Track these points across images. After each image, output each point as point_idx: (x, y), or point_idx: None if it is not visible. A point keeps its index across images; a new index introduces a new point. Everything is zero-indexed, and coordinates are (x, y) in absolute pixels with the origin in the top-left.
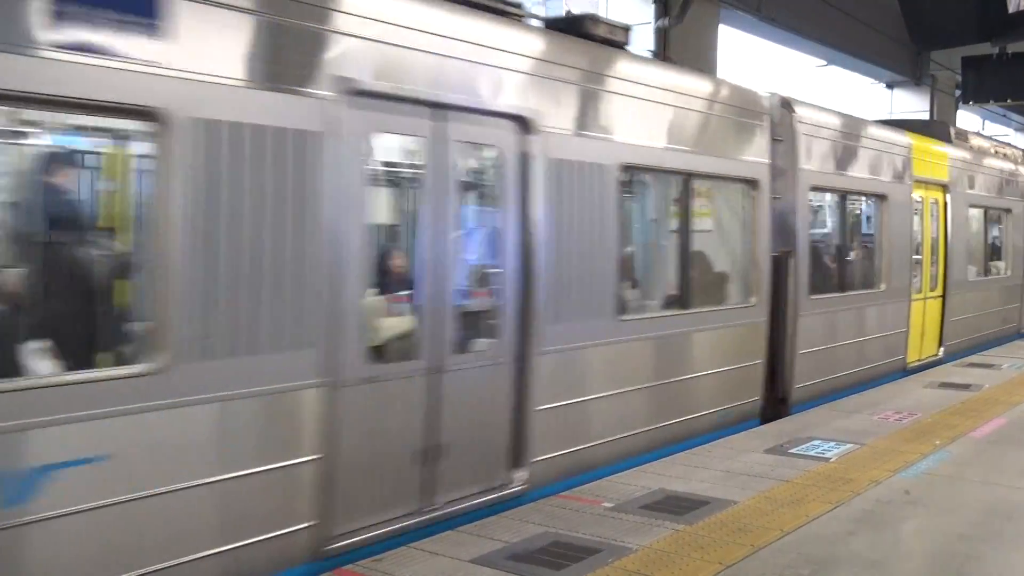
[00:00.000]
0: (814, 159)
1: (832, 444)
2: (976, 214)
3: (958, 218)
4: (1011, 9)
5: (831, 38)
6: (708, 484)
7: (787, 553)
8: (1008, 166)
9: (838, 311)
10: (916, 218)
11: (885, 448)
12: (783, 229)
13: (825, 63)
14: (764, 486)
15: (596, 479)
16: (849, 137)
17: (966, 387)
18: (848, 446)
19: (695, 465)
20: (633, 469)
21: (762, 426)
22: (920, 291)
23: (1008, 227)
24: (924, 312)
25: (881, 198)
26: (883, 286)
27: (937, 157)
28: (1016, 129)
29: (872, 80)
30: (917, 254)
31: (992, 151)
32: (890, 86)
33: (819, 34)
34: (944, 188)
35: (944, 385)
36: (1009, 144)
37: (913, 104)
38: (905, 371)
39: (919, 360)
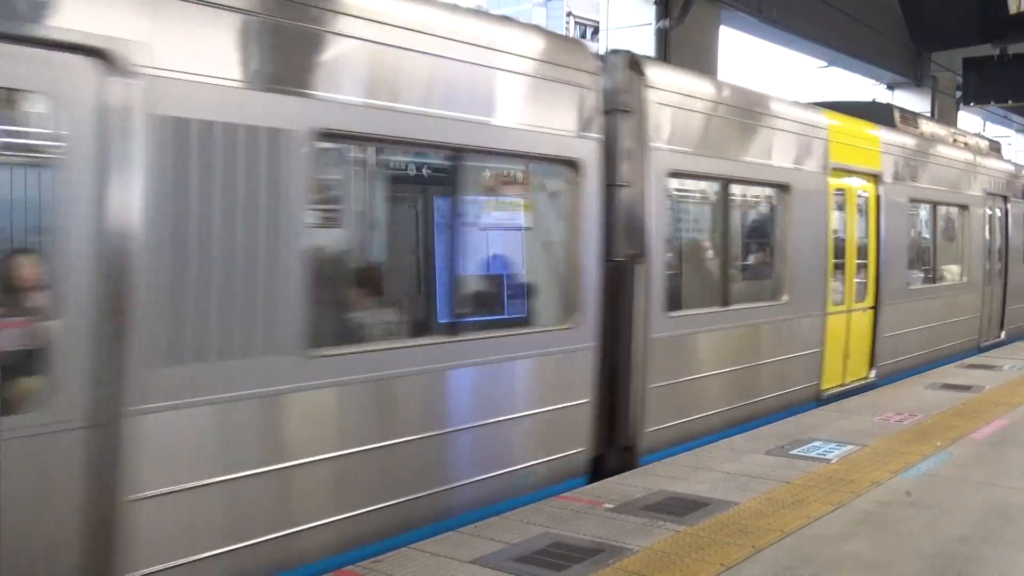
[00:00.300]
0: (676, 137)
1: (833, 445)
2: (923, 210)
3: (895, 214)
4: (1012, 10)
5: (832, 39)
6: (709, 485)
7: (788, 554)
8: (967, 157)
9: (715, 331)
10: (837, 214)
11: (886, 449)
12: (630, 227)
13: (826, 64)
14: (765, 487)
15: None
16: (731, 112)
17: (967, 388)
18: (849, 447)
19: (696, 466)
20: (634, 470)
21: (763, 427)
22: (843, 302)
23: (965, 226)
24: (848, 328)
25: (782, 188)
26: (785, 297)
27: (867, 142)
28: (1017, 130)
29: (873, 81)
30: (840, 257)
31: (950, 140)
32: (891, 87)
33: (820, 35)
34: (876, 179)
35: (945, 386)
36: (973, 133)
37: (914, 105)
38: (820, 400)
39: (841, 385)
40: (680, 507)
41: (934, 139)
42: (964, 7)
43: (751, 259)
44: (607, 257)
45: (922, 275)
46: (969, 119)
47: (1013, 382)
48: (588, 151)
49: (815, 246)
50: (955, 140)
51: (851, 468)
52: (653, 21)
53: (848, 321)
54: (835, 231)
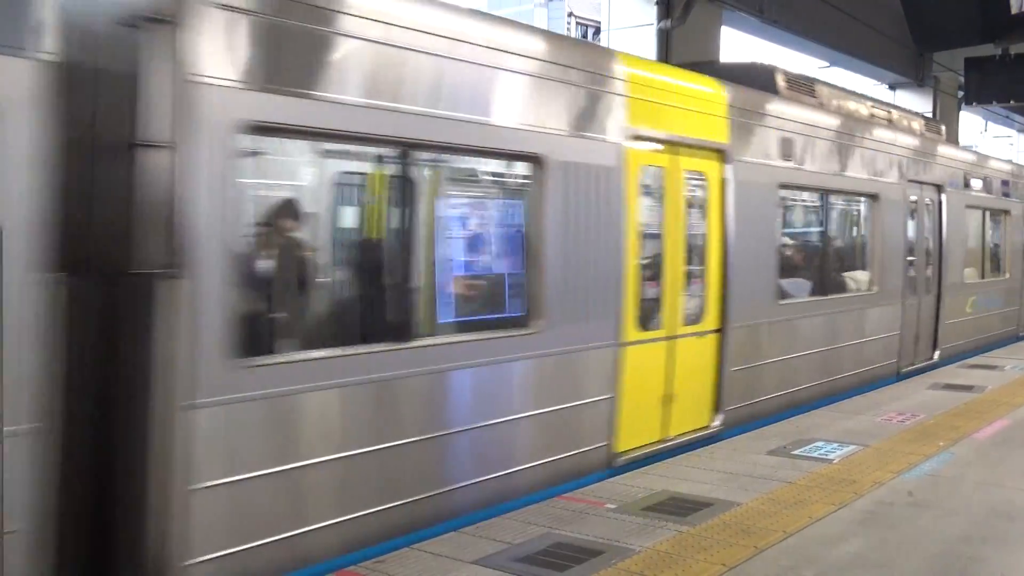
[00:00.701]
0: (269, 66)
1: (835, 446)
2: (807, 201)
3: (753, 204)
4: (1014, 10)
5: (833, 40)
6: (711, 485)
7: (790, 555)
8: (884, 135)
9: (368, 384)
10: (648, 202)
11: (888, 449)
12: (155, 217)
13: (827, 64)
14: (767, 487)
15: None
16: (402, 35)
17: (969, 388)
18: (851, 447)
19: (698, 467)
20: (636, 470)
21: (766, 427)
22: (660, 326)
23: (877, 221)
24: (671, 361)
25: (532, 161)
26: (539, 323)
27: (703, 105)
28: (1019, 130)
29: (875, 82)
30: (656, 263)
31: (866, 114)
32: (893, 87)
33: (821, 36)
34: (721, 155)
35: (947, 387)
36: (907, 110)
37: (916, 105)
38: (613, 467)
39: (661, 441)
40: (682, 507)
41: (839, 112)
42: (966, 7)
43: (470, 271)
44: (85, 269)
45: (808, 285)
46: (971, 119)
47: (1015, 382)
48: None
49: (599, 248)
50: (873, 116)
51: (853, 468)
52: (655, 21)
53: (670, 352)
54: (643, 226)
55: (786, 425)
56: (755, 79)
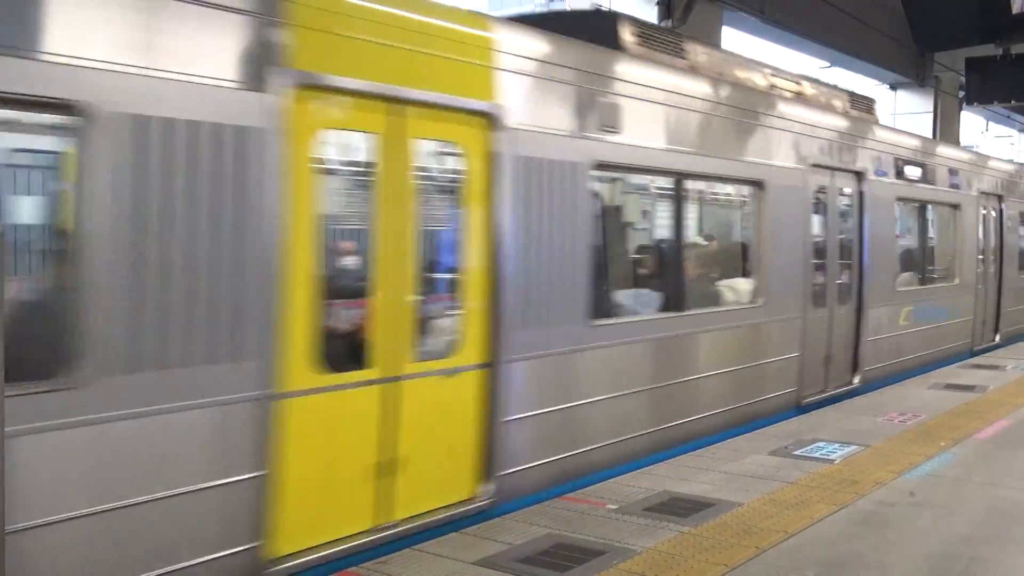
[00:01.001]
0: None
1: (836, 446)
2: (657, 188)
3: (544, 191)
4: (1015, 10)
5: (834, 40)
6: (712, 486)
7: (792, 555)
8: (782, 110)
9: None
10: (344, 184)
11: (890, 450)
12: None
13: (828, 65)
14: (769, 488)
15: None
16: None
17: (970, 389)
18: (852, 448)
19: (699, 467)
20: (637, 471)
21: (766, 428)
22: (369, 364)
23: (767, 215)
24: (392, 414)
25: (67, 114)
26: (81, 376)
27: (451, 47)
28: (1019, 130)
29: (876, 82)
30: (359, 275)
31: (763, 86)
32: (894, 87)
33: (822, 36)
34: (488, 120)
35: (948, 387)
36: (816, 81)
37: (917, 105)
38: None
39: (381, 530)
40: (683, 508)
41: (721, 79)
42: (966, 7)
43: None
44: None
45: (657, 298)
46: (972, 119)
47: (1016, 382)
48: None
49: (220, 250)
50: (772, 87)
51: (855, 469)
52: (655, 22)
53: (390, 399)
54: (332, 218)
55: (787, 425)
56: (593, 31)
